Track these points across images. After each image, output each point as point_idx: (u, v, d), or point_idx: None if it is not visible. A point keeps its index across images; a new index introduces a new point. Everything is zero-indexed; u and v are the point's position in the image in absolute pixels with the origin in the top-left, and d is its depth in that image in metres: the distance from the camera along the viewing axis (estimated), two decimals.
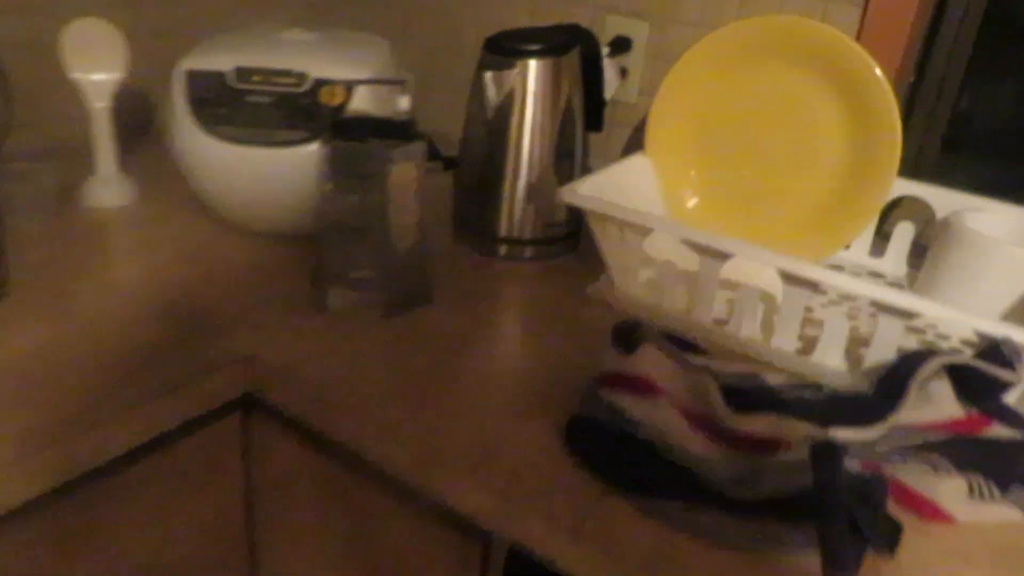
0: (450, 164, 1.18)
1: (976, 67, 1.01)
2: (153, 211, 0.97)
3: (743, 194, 0.93)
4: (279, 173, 0.85)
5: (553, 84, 0.90)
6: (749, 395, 0.63)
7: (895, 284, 0.94)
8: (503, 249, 0.94)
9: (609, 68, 1.06)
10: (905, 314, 0.67)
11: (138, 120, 1.19)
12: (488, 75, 0.88)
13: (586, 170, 0.99)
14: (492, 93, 0.90)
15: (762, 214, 0.92)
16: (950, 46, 1.00)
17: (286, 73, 0.86)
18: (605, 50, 1.07)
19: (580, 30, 0.95)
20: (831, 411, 0.62)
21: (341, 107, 0.86)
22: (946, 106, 1.03)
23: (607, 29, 1.12)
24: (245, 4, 1.25)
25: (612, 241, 0.81)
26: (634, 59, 1.11)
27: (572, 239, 0.97)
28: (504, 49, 0.89)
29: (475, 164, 0.95)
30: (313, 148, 0.84)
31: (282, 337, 0.73)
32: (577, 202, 0.80)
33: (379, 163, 0.75)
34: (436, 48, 1.31)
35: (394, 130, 0.81)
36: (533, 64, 0.88)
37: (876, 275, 0.95)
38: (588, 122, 0.98)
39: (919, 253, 0.93)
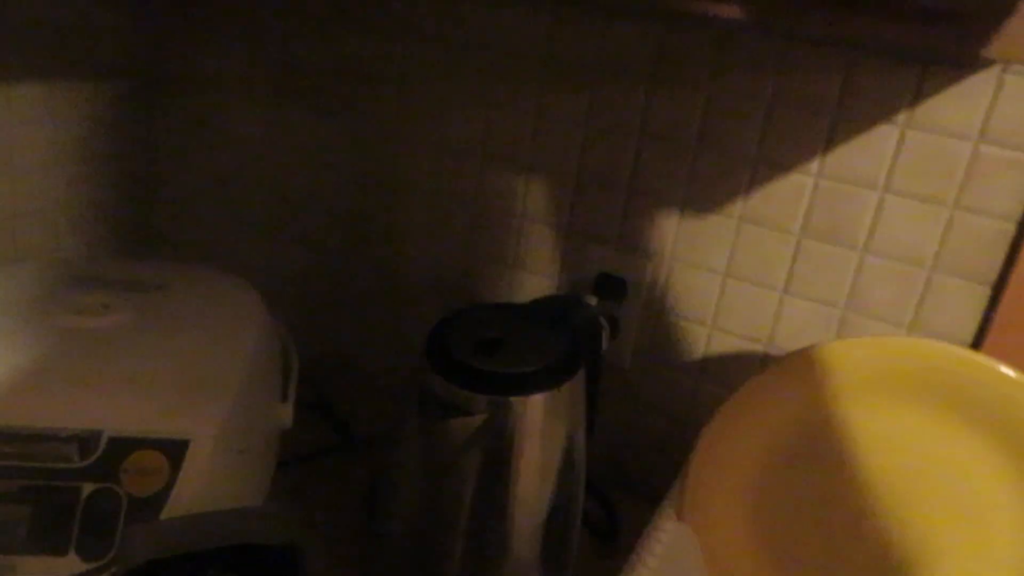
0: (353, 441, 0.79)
1: None
2: None
3: None
4: None
5: (549, 426, 0.53)
6: None
7: None
8: None
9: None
10: None
11: None
12: (439, 425, 0.50)
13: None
14: (445, 443, 0.52)
15: None
16: None
17: (48, 435, 0.45)
18: (592, 299, 0.72)
19: (577, 306, 0.59)
20: None
21: (160, 497, 0.45)
22: None
23: (589, 263, 0.76)
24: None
25: None
26: (628, 309, 0.76)
27: None
28: (467, 376, 0.51)
29: (411, 526, 0.56)
30: None
31: None
32: None
33: None
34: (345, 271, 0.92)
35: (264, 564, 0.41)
36: (516, 403, 0.51)
37: None
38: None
39: None
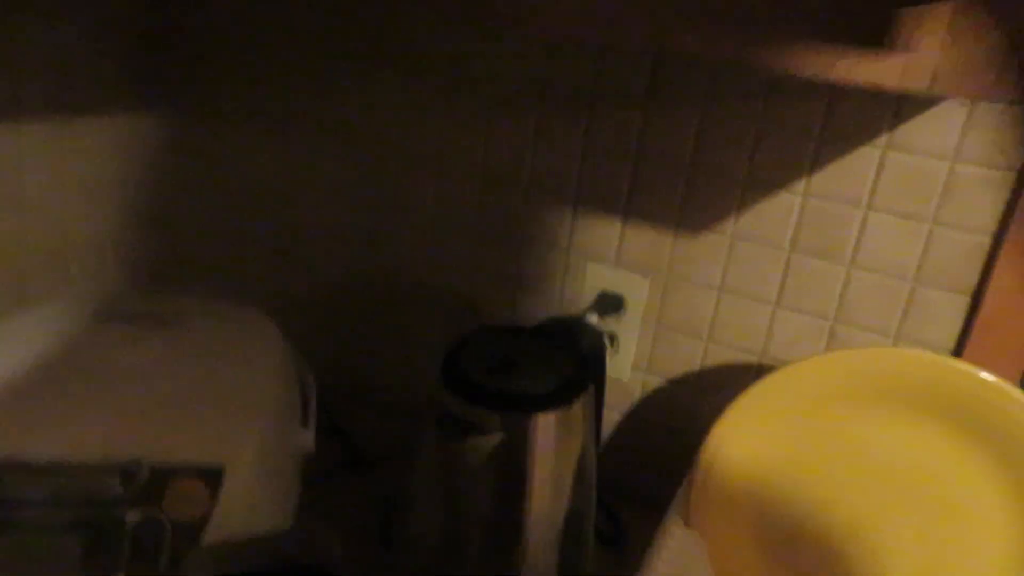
0: (362, 464, 0.81)
1: None
2: None
3: None
4: None
5: (562, 441, 0.56)
6: None
7: None
8: None
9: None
10: None
11: None
12: (457, 445, 0.53)
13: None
14: (463, 461, 0.55)
15: None
16: None
17: (92, 467, 0.47)
18: (592, 317, 0.75)
19: (582, 326, 0.62)
20: None
21: (201, 522, 0.48)
22: None
23: (588, 282, 0.80)
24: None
25: None
26: (627, 325, 0.79)
27: None
28: (483, 397, 0.54)
29: (429, 542, 0.59)
30: None
31: None
32: None
33: None
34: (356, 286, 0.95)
35: None
36: (531, 421, 0.54)
37: None
38: None
39: None
